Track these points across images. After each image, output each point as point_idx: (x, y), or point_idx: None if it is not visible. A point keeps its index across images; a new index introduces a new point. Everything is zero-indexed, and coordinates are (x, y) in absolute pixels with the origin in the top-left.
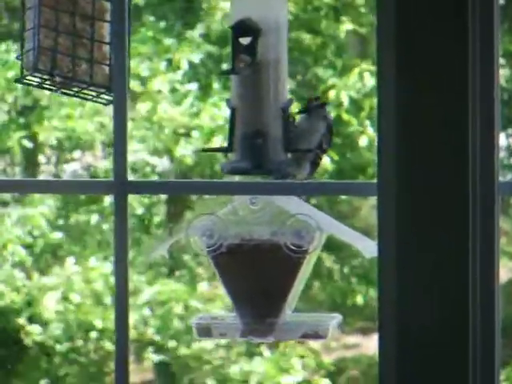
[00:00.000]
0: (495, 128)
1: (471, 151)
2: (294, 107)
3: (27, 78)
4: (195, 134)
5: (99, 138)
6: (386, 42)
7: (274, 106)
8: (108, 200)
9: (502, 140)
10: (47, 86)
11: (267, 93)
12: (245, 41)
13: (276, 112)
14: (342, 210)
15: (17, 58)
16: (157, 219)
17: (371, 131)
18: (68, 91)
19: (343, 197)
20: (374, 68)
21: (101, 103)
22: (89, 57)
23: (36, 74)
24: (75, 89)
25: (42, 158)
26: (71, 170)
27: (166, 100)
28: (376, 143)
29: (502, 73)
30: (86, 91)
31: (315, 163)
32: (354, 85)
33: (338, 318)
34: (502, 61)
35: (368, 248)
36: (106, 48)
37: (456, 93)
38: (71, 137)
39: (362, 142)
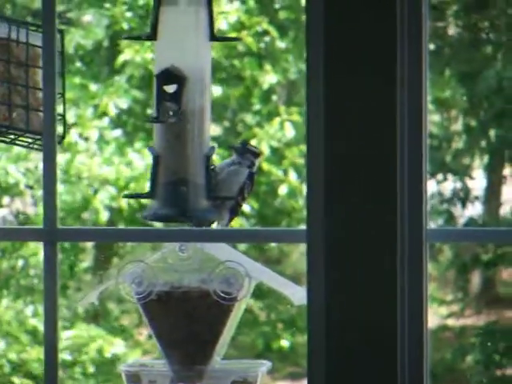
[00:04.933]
0: (423, 176)
1: (399, 199)
2: (218, 155)
3: None
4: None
5: (26, 184)
6: (315, 89)
7: (198, 153)
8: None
9: (433, 186)
10: None
11: (191, 141)
12: (170, 89)
13: (199, 160)
14: (272, 256)
15: None
16: (84, 265)
17: (293, 179)
18: (4, 138)
19: (273, 243)
20: (296, 117)
21: (37, 150)
22: (24, 104)
23: None
24: (12, 136)
25: None
26: (0, 215)
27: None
28: (305, 191)
29: (433, 119)
30: (22, 138)
31: (234, 211)
32: (275, 134)
33: (267, 364)
34: (431, 107)
35: (297, 295)
36: (41, 94)
37: (384, 140)
38: None
39: (282, 190)
